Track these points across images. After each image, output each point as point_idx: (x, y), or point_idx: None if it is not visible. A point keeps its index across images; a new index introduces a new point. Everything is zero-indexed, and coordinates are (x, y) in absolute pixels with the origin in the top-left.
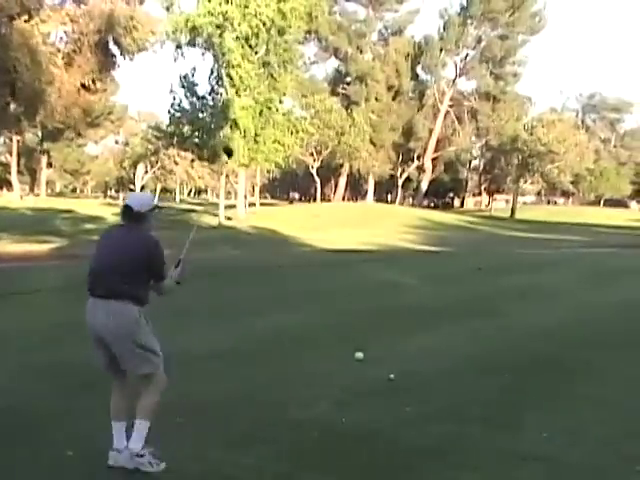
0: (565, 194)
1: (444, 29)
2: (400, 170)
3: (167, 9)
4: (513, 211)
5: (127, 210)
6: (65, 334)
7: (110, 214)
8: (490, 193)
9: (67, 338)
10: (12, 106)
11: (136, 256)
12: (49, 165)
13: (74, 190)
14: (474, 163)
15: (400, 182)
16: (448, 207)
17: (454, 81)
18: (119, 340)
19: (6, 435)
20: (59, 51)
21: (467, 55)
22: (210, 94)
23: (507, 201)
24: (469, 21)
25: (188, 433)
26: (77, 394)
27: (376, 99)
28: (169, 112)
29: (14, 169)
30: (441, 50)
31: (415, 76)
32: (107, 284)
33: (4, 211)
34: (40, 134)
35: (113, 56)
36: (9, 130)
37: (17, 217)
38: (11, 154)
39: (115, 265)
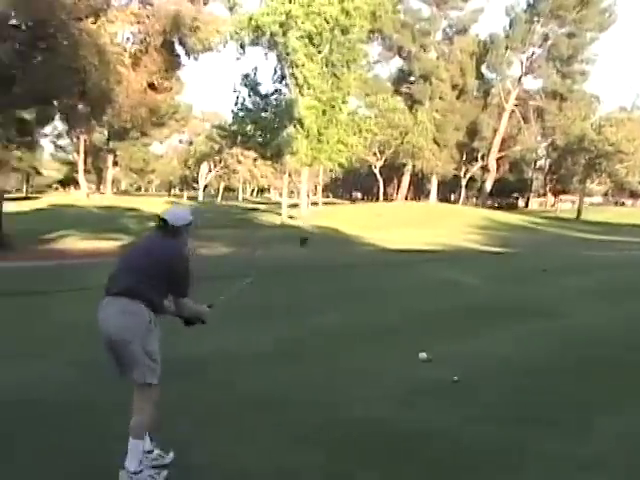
0: (633, 195)
1: (510, 27)
2: (464, 170)
3: (230, 9)
4: (579, 212)
5: (163, 223)
6: None
7: None
8: (555, 194)
9: None
10: (80, 106)
11: (159, 261)
12: (115, 164)
13: (139, 189)
14: (539, 163)
15: (464, 182)
16: (512, 207)
17: (520, 80)
18: (127, 341)
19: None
20: (126, 51)
21: (533, 53)
22: (273, 93)
23: (573, 202)
24: (536, 18)
25: (250, 431)
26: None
27: (440, 98)
28: (233, 111)
29: (81, 168)
30: (507, 48)
31: (480, 75)
32: (125, 283)
33: (72, 209)
34: (107, 133)
35: (178, 56)
36: (78, 130)
37: (85, 215)
38: (78, 153)
39: (137, 266)
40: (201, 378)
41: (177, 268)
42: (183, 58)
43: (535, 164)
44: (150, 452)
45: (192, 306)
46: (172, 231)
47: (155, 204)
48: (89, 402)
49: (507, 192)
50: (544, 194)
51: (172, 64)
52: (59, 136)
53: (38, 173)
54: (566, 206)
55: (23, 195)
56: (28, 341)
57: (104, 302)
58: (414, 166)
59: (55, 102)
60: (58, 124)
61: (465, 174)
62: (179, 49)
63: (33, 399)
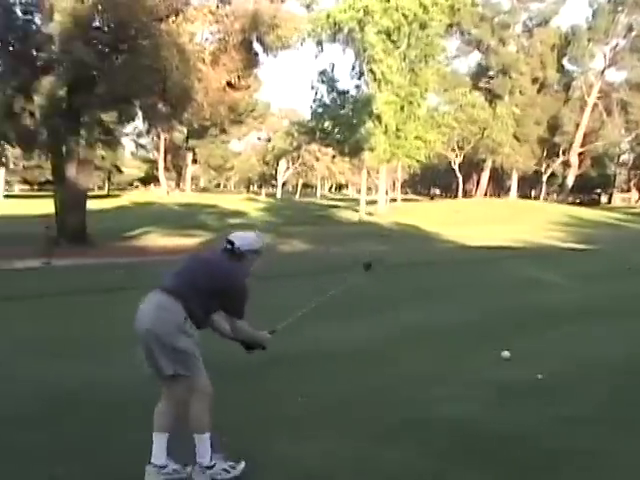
0: None
1: (592, 18)
2: (545, 165)
3: (307, 7)
4: None
5: (229, 245)
6: None
7: (252, 209)
8: None
9: None
10: (161, 105)
11: (215, 279)
12: (194, 161)
13: (218, 185)
14: (623, 158)
15: (545, 178)
16: (594, 204)
17: (603, 72)
18: (157, 334)
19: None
20: (205, 50)
21: (617, 45)
22: (351, 90)
23: None
24: (620, 8)
25: (334, 428)
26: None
27: (520, 92)
28: (311, 107)
29: (161, 166)
30: (589, 40)
31: (561, 68)
32: (173, 284)
33: (153, 206)
34: (186, 131)
35: (256, 54)
36: (158, 128)
37: (165, 212)
38: (159, 151)
39: (192, 275)
40: (283, 375)
41: (231, 292)
42: (261, 56)
43: (618, 159)
44: (163, 467)
45: (249, 330)
46: (237, 255)
47: (234, 201)
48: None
49: (589, 188)
50: (628, 190)
51: (250, 62)
52: (140, 135)
53: (119, 171)
54: None
55: (105, 193)
56: (109, 339)
57: (149, 295)
58: (494, 162)
59: (136, 102)
60: (139, 123)
61: (546, 170)
62: (257, 47)
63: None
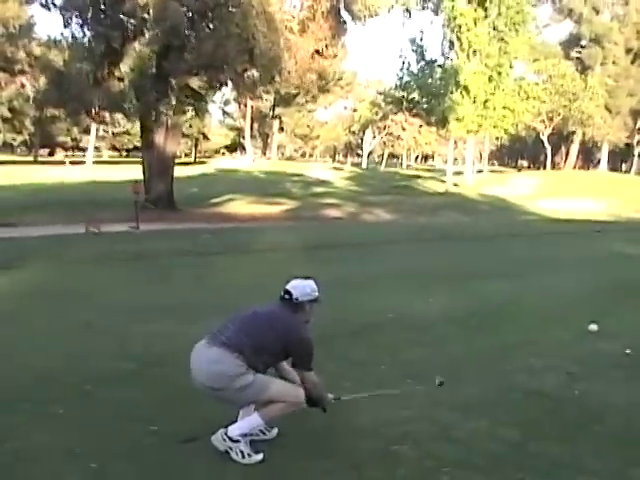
0: None
1: None
2: (637, 138)
3: None
4: None
5: (286, 295)
6: None
7: (338, 178)
8: None
9: None
10: (249, 73)
11: (278, 338)
12: (280, 130)
13: (303, 155)
14: None
15: (637, 151)
16: None
17: None
18: (216, 389)
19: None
20: (293, 18)
21: None
22: (439, 59)
23: None
24: None
25: (417, 395)
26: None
27: (613, 63)
28: (398, 76)
29: (248, 134)
30: None
31: None
32: (233, 337)
33: (239, 174)
34: (273, 100)
35: (344, 22)
36: (246, 96)
37: (251, 180)
38: (245, 119)
39: (254, 331)
40: (368, 341)
41: (295, 346)
42: (349, 24)
43: None
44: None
45: (317, 382)
46: (294, 306)
47: (319, 170)
48: None
49: None
50: None
51: (338, 30)
52: (227, 103)
53: (206, 138)
54: None
55: (192, 160)
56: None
57: (199, 345)
58: (584, 134)
59: (225, 68)
60: (226, 91)
61: (638, 143)
62: (345, 15)
63: None
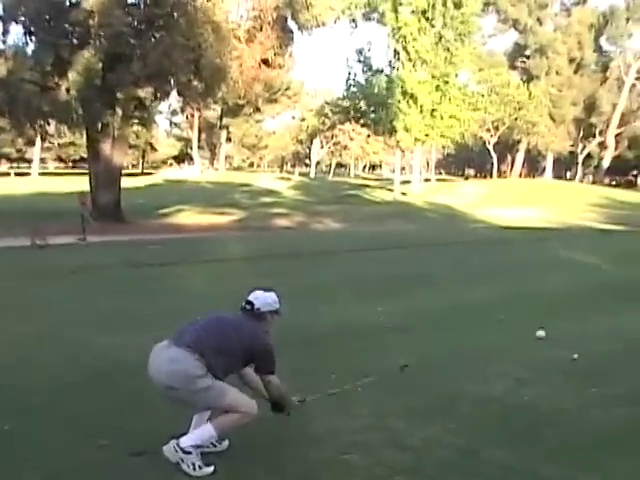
0: None
1: None
2: (581, 146)
3: None
4: None
5: (248, 305)
6: None
7: (286, 188)
8: None
9: None
10: (196, 82)
11: (242, 341)
12: (228, 140)
13: (251, 165)
14: None
15: (580, 159)
16: (631, 186)
17: None
18: (174, 388)
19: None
20: (240, 27)
21: None
22: (386, 69)
23: None
24: None
25: (368, 403)
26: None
27: (557, 72)
28: (345, 86)
29: (195, 144)
30: (627, 19)
31: (598, 48)
32: (195, 339)
33: (186, 184)
34: (220, 110)
35: (291, 32)
36: (192, 106)
37: (199, 190)
38: (193, 129)
39: (217, 333)
40: (319, 350)
41: (259, 352)
42: (296, 34)
43: None
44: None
45: (280, 387)
46: (256, 315)
47: (267, 180)
48: None
49: (625, 169)
50: None
51: (285, 40)
52: (174, 113)
53: (153, 149)
54: None
55: (139, 171)
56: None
57: (160, 345)
58: (529, 142)
59: (171, 79)
60: (173, 101)
61: (582, 151)
62: (292, 25)
63: None
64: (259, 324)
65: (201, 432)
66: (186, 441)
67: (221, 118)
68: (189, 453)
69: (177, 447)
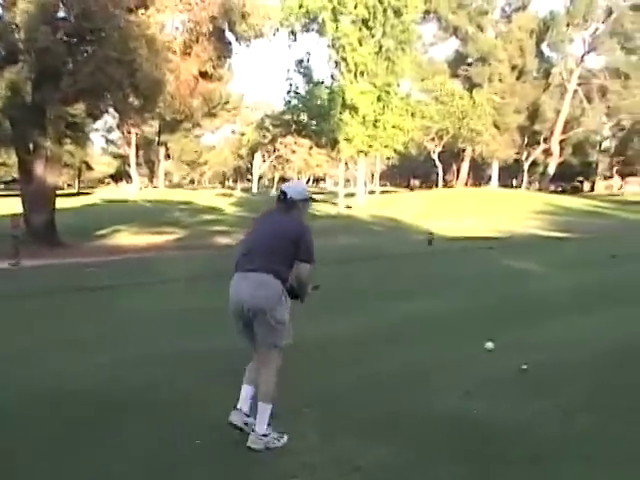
0: None
1: (571, 2)
2: (525, 154)
3: None
4: None
5: (281, 195)
6: (197, 321)
7: (227, 204)
8: (623, 176)
9: (199, 325)
10: (131, 98)
11: (287, 238)
12: (167, 157)
13: (192, 181)
14: (605, 145)
15: (526, 166)
16: (577, 191)
17: (582, 58)
18: (261, 311)
19: (141, 420)
20: (176, 40)
21: (596, 29)
22: (327, 80)
23: None
24: None
25: (315, 421)
26: (215, 379)
27: (499, 80)
28: (285, 99)
29: (133, 161)
30: (568, 25)
31: (540, 54)
32: (258, 261)
33: (125, 204)
34: (158, 126)
35: (229, 43)
36: (129, 122)
37: (137, 209)
38: (130, 147)
39: (268, 245)
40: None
41: (303, 240)
42: (234, 46)
43: (600, 146)
44: (247, 415)
45: (309, 276)
46: (289, 204)
47: (208, 197)
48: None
49: (571, 176)
50: (610, 177)
51: (223, 52)
52: (110, 130)
53: (89, 168)
54: (634, 189)
55: (75, 191)
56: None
57: (236, 278)
58: (473, 151)
59: (105, 95)
60: (108, 118)
61: (527, 158)
62: (230, 37)
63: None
64: (294, 214)
65: (263, 413)
66: (260, 428)
67: (159, 134)
68: (268, 435)
69: (260, 436)
